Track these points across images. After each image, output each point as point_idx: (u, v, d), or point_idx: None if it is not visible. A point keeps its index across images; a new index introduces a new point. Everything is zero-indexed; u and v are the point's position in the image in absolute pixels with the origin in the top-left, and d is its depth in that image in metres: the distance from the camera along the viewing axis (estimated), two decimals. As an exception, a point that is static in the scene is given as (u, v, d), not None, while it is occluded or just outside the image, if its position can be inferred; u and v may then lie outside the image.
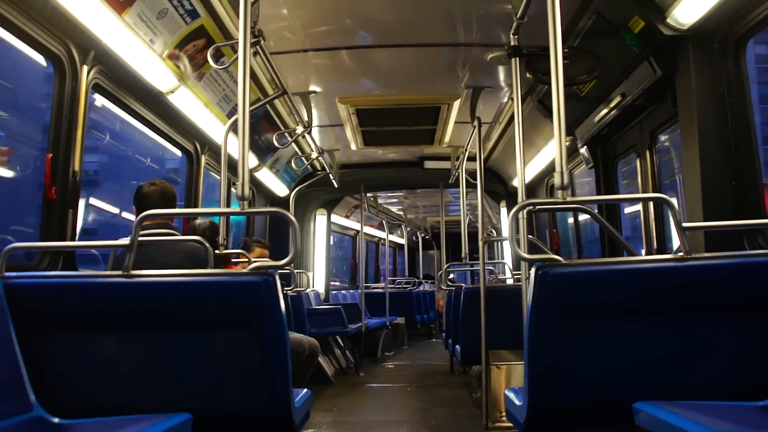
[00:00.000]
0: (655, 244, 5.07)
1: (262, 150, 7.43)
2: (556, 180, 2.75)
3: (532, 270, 2.64)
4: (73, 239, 3.84)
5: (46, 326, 2.78)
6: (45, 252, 3.72)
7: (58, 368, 2.78)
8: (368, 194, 12.80)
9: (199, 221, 5.00)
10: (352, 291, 13.75)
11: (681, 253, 2.62)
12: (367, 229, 15.53)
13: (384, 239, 14.58)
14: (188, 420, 2.57)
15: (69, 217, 3.81)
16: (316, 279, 11.88)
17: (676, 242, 4.93)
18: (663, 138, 5.13)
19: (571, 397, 2.70)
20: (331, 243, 13.41)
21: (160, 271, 2.83)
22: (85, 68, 3.91)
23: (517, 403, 2.95)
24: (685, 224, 2.63)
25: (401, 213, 16.51)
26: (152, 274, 2.80)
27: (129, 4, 3.77)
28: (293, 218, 2.79)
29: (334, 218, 13.07)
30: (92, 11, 3.61)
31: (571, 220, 7.74)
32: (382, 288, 13.57)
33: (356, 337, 10.42)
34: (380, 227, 16.28)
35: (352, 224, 14.18)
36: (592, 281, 2.64)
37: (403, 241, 20.12)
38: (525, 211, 3.69)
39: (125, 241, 2.82)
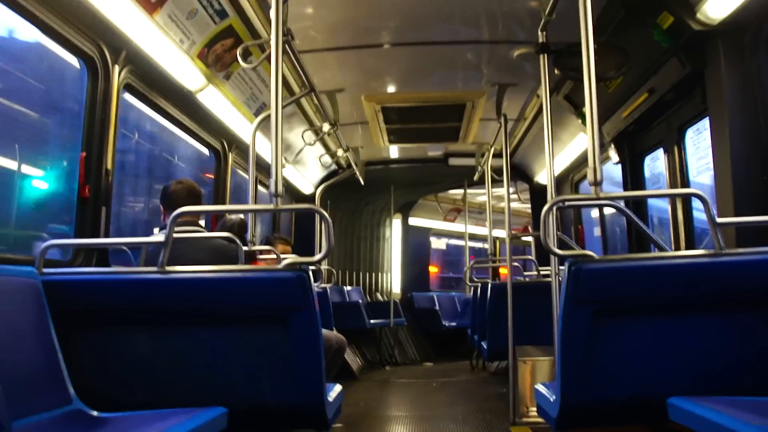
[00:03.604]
0: (683, 239, 5.04)
1: (288, 147, 7.47)
2: (589, 176, 2.75)
3: (565, 266, 2.64)
4: (106, 236, 3.89)
5: (84, 322, 2.83)
6: (79, 249, 3.77)
7: (95, 363, 2.83)
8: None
9: (230, 216, 5.04)
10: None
11: (714, 249, 2.61)
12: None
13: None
14: (224, 414, 2.61)
15: (102, 214, 3.86)
16: (394, 281, 12.47)
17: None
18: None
19: (604, 393, 2.70)
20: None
21: (194, 267, 2.87)
22: (117, 68, 3.95)
23: (550, 398, 2.96)
24: (719, 219, 2.63)
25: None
26: (187, 270, 2.85)
27: (160, 5, 3.82)
28: (326, 214, 2.82)
29: (437, 223, 13.90)
30: (124, 12, 3.66)
31: (594, 214, 7.72)
32: None
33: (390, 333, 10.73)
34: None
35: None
36: (626, 277, 2.64)
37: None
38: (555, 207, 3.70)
39: (160, 237, 2.87)
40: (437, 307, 12.43)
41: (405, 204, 12.54)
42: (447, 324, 12.06)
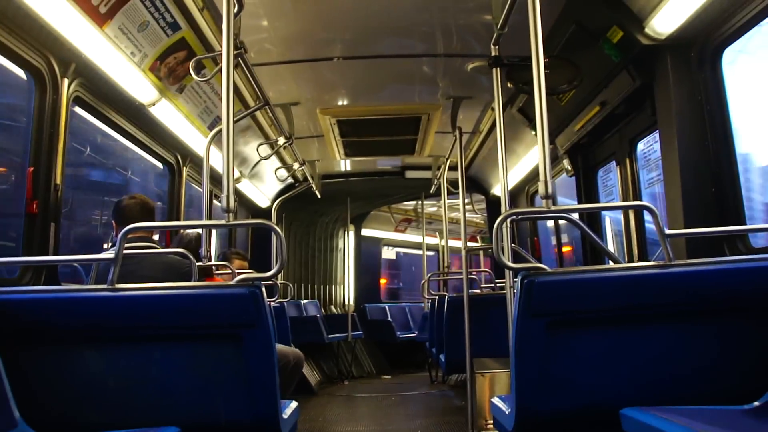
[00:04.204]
0: (636, 251, 5.11)
1: (244, 161, 7.42)
2: (540, 189, 2.77)
3: (518, 279, 2.65)
4: (55, 253, 3.80)
5: (31, 341, 2.74)
6: (27, 266, 3.68)
7: (42, 383, 2.75)
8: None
9: (186, 231, 4.97)
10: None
11: (664, 260, 2.65)
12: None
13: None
14: None
15: (51, 230, 3.77)
16: (347, 292, 12.52)
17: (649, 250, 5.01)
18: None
19: (559, 404, 2.71)
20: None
21: (145, 285, 2.81)
22: (66, 81, 3.87)
23: (505, 411, 2.96)
24: (668, 231, 2.66)
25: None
26: (137, 287, 2.78)
27: (110, 17, 3.76)
28: (278, 229, 2.79)
29: (389, 234, 14.01)
30: (73, 24, 3.60)
31: (550, 225, 7.80)
32: None
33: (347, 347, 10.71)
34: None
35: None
36: (578, 289, 2.65)
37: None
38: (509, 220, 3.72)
39: (110, 254, 2.81)
40: (390, 319, 12.44)
41: (358, 215, 12.56)
42: (401, 335, 12.05)
